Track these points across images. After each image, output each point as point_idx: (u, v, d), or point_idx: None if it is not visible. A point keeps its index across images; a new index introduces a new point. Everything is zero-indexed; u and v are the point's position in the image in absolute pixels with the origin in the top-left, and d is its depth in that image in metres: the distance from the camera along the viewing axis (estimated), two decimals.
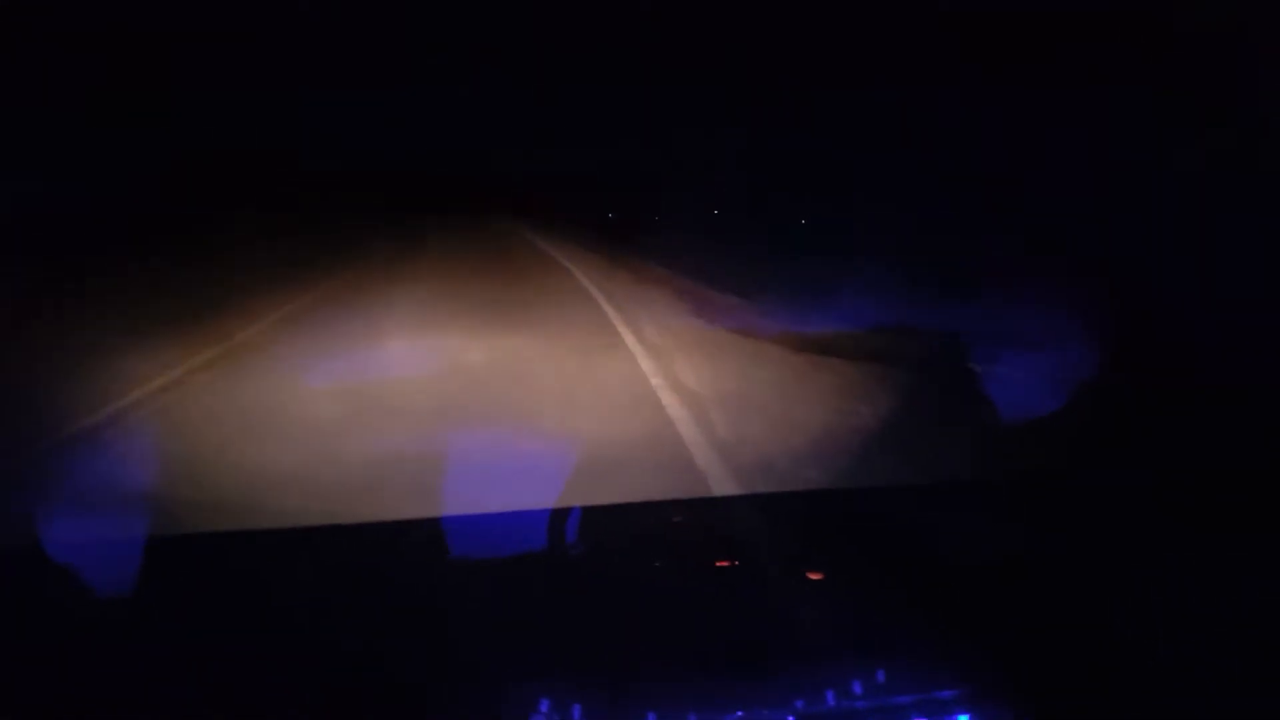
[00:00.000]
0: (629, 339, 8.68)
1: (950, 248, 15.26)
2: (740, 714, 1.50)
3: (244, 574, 1.97)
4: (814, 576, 1.92)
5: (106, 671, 1.57)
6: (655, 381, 6.63)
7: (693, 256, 15.68)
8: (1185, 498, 2.52)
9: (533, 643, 1.67)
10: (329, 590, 1.85)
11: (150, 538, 2.07)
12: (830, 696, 1.54)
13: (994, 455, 4.42)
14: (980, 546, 1.89)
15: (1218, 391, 5.58)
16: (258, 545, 2.28)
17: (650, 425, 5.41)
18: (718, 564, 2.00)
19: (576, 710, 1.49)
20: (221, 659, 1.60)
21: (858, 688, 1.55)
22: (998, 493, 2.57)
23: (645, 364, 7.37)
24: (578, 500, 3.01)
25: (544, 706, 1.49)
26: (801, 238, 22.23)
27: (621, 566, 2.00)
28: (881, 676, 1.56)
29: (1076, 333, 6.94)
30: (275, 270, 13.42)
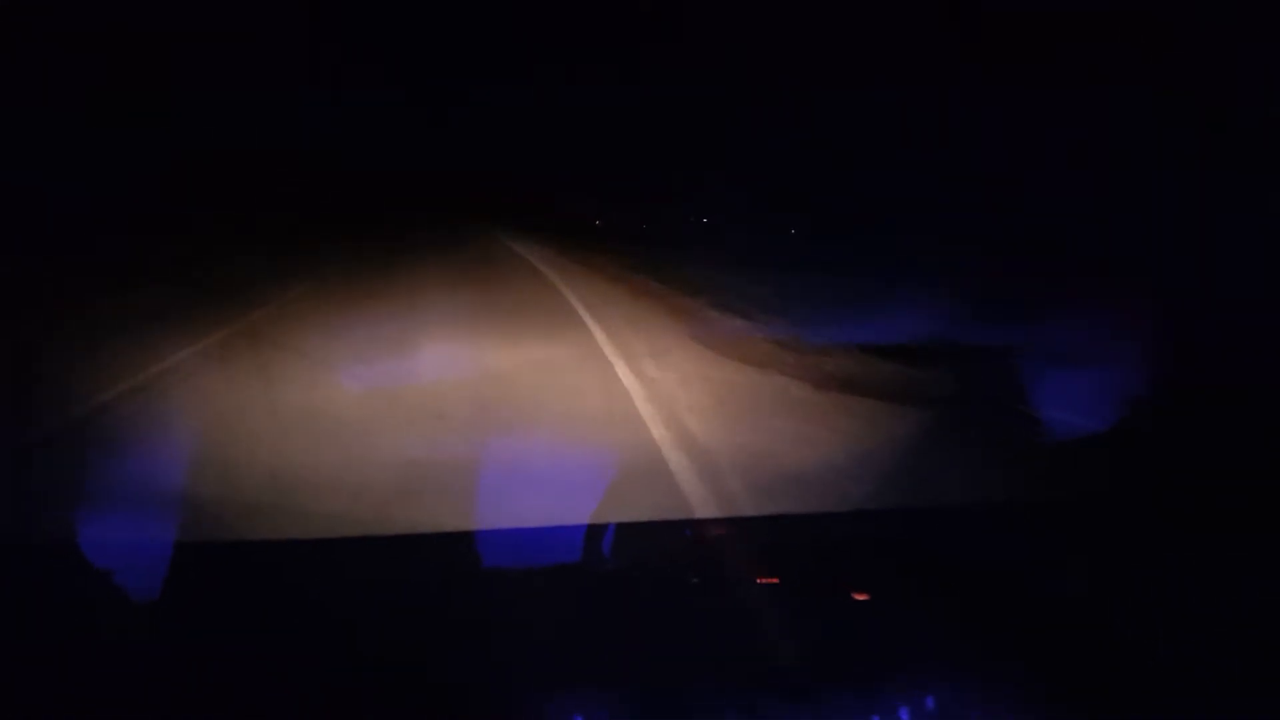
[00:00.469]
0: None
1: (960, 249, 14.68)
2: None
3: (267, 581, 1.95)
4: (859, 597, 1.88)
5: (115, 673, 1.56)
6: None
7: (687, 267, 14.54)
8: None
9: (567, 658, 1.64)
10: (355, 602, 1.83)
11: (177, 543, 2.06)
12: None
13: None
14: (1032, 573, 1.85)
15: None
16: (282, 554, 2.26)
17: None
18: (759, 580, 1.96)
19: None
20: (241, 665, 1.59)
21: (904, 715, 1.44)
22: (1048, 515, 2.50)
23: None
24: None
25: None
26: (798, 246, 21.80)
27: (658, 582, 1.96)
28: (931, 703, 1.46)
29: (1128, 349, 6.37)
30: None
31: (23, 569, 1.98)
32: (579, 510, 3.75)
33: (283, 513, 3.73)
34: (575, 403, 5.69)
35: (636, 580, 1.97)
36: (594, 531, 2.23)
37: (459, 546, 2.39)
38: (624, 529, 2.32)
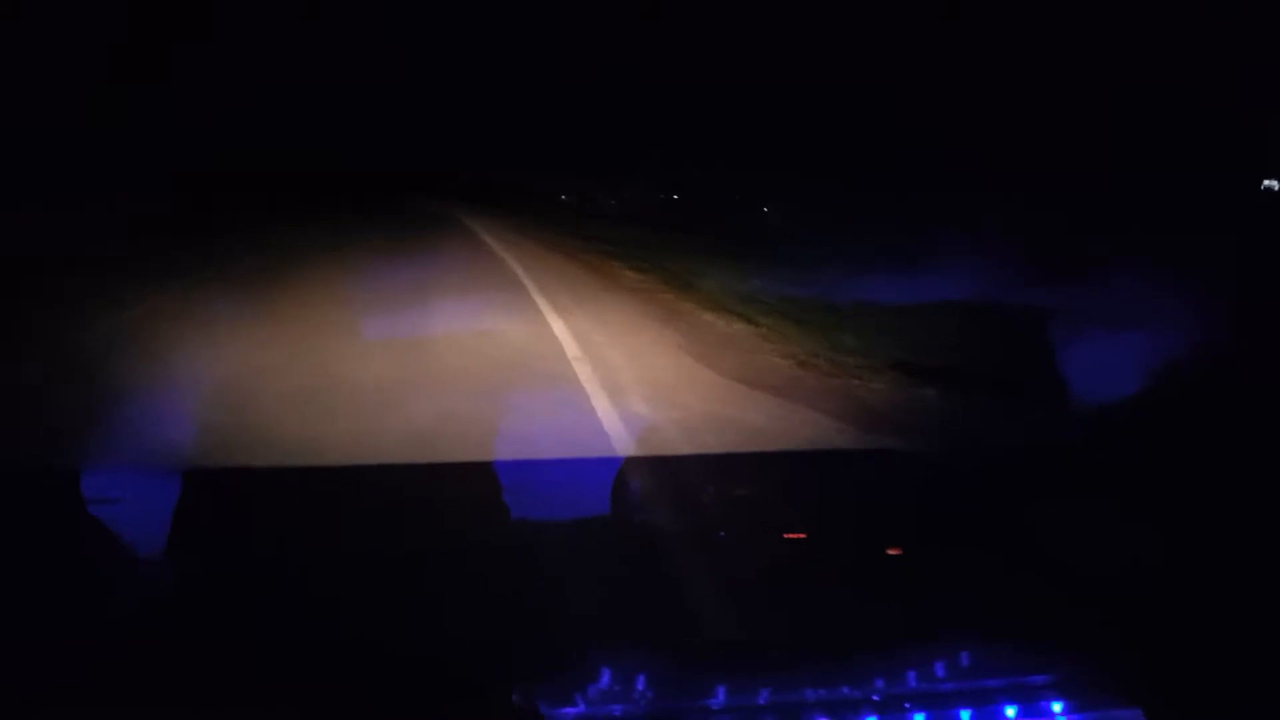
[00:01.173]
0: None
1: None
2: (819, 692, 1.37)
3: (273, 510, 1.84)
4: (893, 552, 1.79)
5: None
6: None
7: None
8: None
9: (596, 608, 1.53)
10: (362, 536, 1.71)
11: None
12: (912, 678, 1.39)
13: None
14: (1069, 528, 1.77)
15: None
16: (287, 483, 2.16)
17: None
18: (785, 535, 1.86)
19: (641, 680, 1.35)
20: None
21: (940, 670, 1.41)
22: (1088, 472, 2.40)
23: None
24: None
25: (605, 677, 1.35)
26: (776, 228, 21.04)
27: (685, 535, 1.85)
28: (965, 660, 1.41)
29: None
30: None
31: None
32: None
33: None
34: None
35: (660, 528, 1.87)
36: (608, 468, 2.10)
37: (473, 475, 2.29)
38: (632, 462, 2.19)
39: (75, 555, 1.61)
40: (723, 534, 1.90)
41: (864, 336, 6.95)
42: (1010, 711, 1.36)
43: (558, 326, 7.14)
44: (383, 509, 1.87)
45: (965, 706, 1.35)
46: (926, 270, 10.29)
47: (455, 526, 1.78)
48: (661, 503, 2.03)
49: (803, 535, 1.85)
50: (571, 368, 5.72)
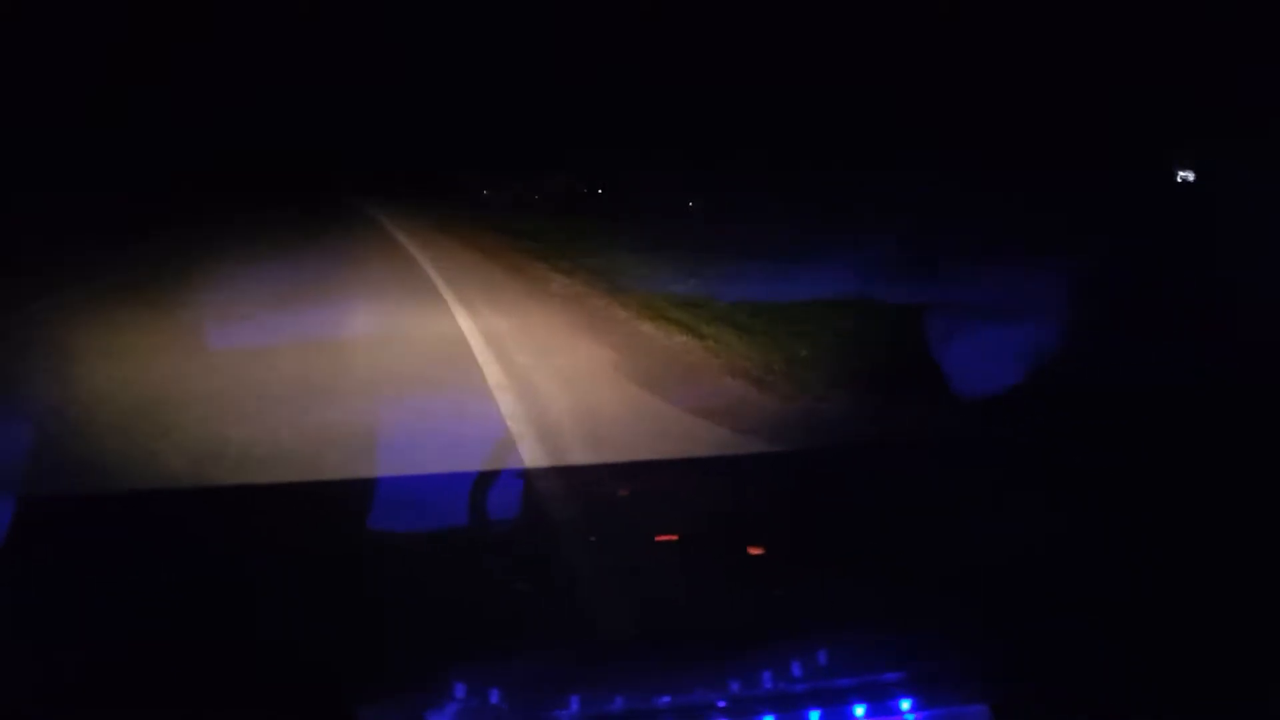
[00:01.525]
0: None
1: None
2: (668, 698, 1.38)
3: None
4: (754, 551, 1.81)
5: None
6: None
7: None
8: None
9: (461, 617, 1.54)
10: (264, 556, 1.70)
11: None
12: (767, 678, 1.42)
13: None
14: (927, 519, 1.81)
15: None
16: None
17: None
18: (658, 538, 1.88)
19: (494, 694, 1.36)
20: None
21: (797, 669, 1.44)
22: (949, 455, 2.45)
23: None
24: None
25: (460, 692, 1.35)
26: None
27: (553, 539, 1.87)
28: (823, 658, 1.46)
29: None
30: None
31: None
32: None
33: None
34: None
35: (532, 537, 1.88)
36: (478, 481, 2.11)
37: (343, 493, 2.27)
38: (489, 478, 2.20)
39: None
40: (593, 539, 1.92)
41: (814, 342, 6.44)
42: (859, 710, 1.39)
43: (476, 344, 6.57)
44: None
45: (815, 707, 1.38)
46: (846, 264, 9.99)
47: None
48: (547, 512, 2.03)
49: (674, 537, 1.87)
50: (494, 399, 4.97)
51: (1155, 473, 2.29)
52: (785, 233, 14.59)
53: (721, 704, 1.38)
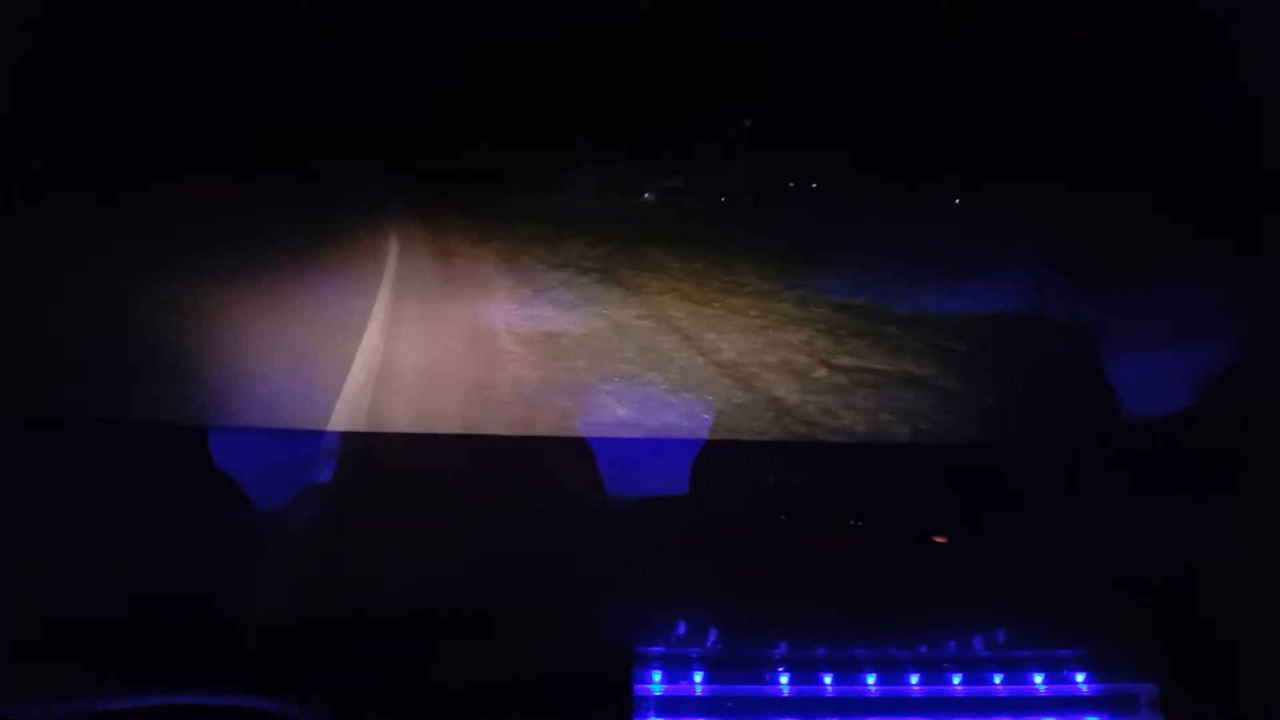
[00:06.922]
0: None
1: None
2: (865, 650, 1.58)
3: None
4: (939, 540, 1.96)
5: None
6: None
7: None
8: None
9: (672, 568, 1.69)
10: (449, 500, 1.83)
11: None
12: (952, 645, 1.62)
13: None
14: (1098, 509, 1.91)
15: None
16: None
17: None
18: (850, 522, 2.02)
19: (712, 634, 1.52)
20: None
21: (978, 641, 1.63)
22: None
23: None
24: None
25: (680, 628, 1.52)
26: None
27: (742, 515, 2.00)
28: (1002, 636, 1.63)
29: None
30: None
31: None
32: None
33: None
34: None
35: (731, 505, 1.98)
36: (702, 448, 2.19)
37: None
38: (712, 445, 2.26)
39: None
40: (783, 517, 2.04)
41: None
42: (1038, 678, 1.55)
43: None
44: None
45: (998, 671, 1.59)
46: None
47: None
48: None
49: (859, 522, 1.99)
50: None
51: None
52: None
53: (912, 661, 1.58)
